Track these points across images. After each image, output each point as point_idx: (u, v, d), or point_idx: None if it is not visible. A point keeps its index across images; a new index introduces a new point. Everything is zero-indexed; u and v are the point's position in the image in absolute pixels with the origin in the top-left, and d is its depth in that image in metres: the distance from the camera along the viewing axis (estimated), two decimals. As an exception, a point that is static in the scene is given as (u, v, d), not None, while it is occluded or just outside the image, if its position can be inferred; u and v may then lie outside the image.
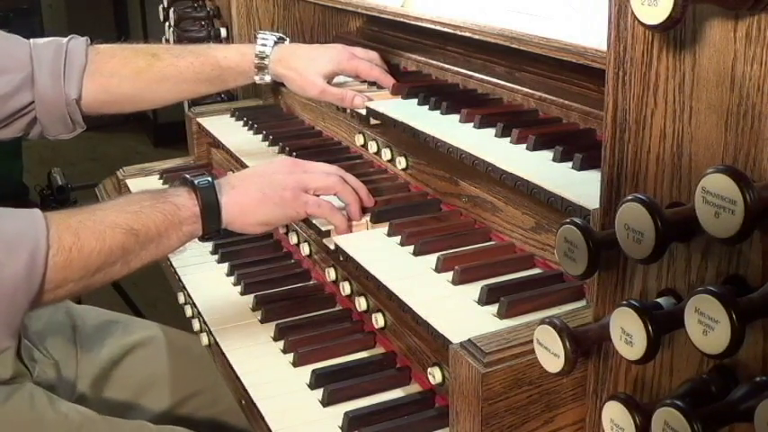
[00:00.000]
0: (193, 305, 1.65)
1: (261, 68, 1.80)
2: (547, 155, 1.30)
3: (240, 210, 1.38)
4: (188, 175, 1.38)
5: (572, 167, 1.24)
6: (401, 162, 1.63)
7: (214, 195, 1.35)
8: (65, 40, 1.72)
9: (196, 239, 1.39)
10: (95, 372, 1.73)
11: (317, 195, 1.46)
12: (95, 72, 1.73)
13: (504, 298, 1.17)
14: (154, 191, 1.39)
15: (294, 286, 1.65)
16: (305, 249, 1.66)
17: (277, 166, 1.46)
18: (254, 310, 1.58)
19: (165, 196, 1.34)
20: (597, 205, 0.94)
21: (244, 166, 1.90)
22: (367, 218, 1.51)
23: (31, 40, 1.70)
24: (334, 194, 1.48)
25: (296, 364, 1.39)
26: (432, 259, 1.32)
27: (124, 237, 1.25)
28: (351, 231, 1.47)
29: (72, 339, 1.73)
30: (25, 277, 1.16)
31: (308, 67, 1.78)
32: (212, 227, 1.36)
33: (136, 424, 1.59)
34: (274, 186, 1.41)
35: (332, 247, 1.44)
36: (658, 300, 0.84)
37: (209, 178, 1.37)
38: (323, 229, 1.46)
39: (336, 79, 1.84)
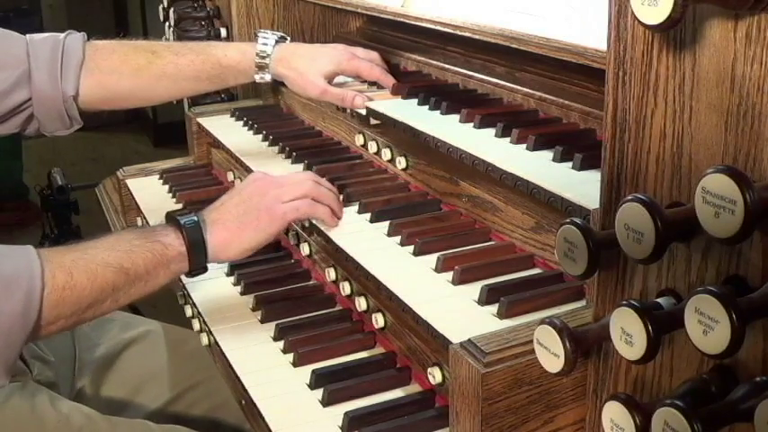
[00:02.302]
0: (193, 305, 1.65)
1: (261, 67, 1.79)
2: (547, 155, 1.30)
3: (223, 244, 1.41)
4: (175, 216, 1.41)
5: (572, 167, 1.24)
6: (401, 162, 1.63)
7: (200, 233, 1.39)
8: (62, 35, 1.72)
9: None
10: (93, 369, 1.73)
11: None
12: (94, 68, 1.72)
13: (504, 298, 1.17)
14: (142, 229, 1.44)
15: (294, 286, 1.65)
16: (305, 249, 1.66)
17: (251, 190, 1.47)
18: (254, 310, 1.58)
19: (153, 235, 1.37)
20: (597, 205, 0.94)
21: (244, 166, 1.90)
22: (366, 216, 1.51)
23: (28, 35, 1.69)
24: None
25: (296, 364, 1.39)
26: (432, 259, 1.32)
27: (115, 275, 1.29)
28: (337, 223, 1.49)
29: (70, 337, 1.73)
30: (21, 315, 1.19)
31: (309, 68, 1.78)
32: (198, 263, 1.40)
33: (137, 423, 1.59)
34: (250, 212, 1.44)
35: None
36: (658, 300, 0.84)
37: (195, 218, 1.40)
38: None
39: (337, 79, 1.84)
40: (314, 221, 1.49)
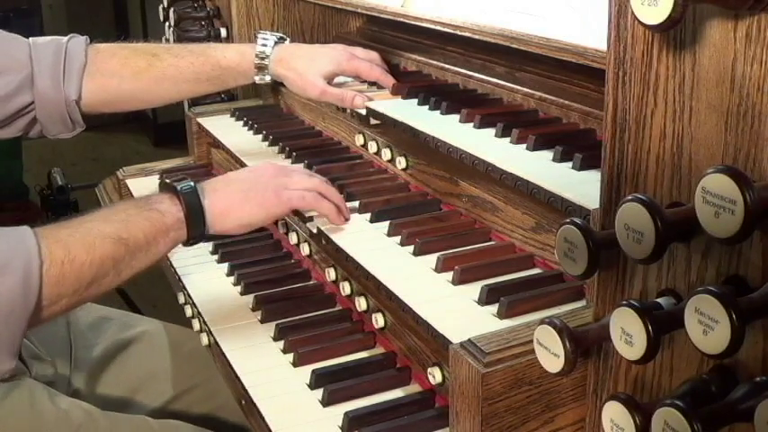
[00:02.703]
0: (193, 305, 1.65)
1: (261, 68, 1.80)
2: (547, 155, 1.30)
3: (222, 211, 1.39)
4: (169, 180, 1.39)
5: (572, 167, 1.24)
6: (401, 162, 1.63)
7: (197, 199, 1.36)
8: (64, 39, 1.72)
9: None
10: (90, 369, 1.73)
11: None
12: (95, 72, 1.73)
13: (504, 298, 1.17)
14: (137, 198, 1.40)
15: (294, 286, 1.65)
16: (305, 249, 1.66)
17: (262, 170, 1.48)
18: (254, 310, 1.58)
19: (149, 204, 1.35)
20: (597, 205, 0.94)
21: (243, 165, 1.90)
22: (366, 216, 1.51)
23: (31, 39, 1.70)
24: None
25: (296, 364, 1.39)
26: (432, 259, 1.33)
27: (114, 246, 1.26)
28: (342, 222, 1.48)
29: (67, 336, 1.73)
30: (21, 294, 1.16)
31: (309, 68, 1.78)
32: (197, 230, 1.37)
33: (137, 419, 1.60)
34: (257, 188, 1.43)
35: (314, 230, 1.47)
36: (658, 300, 0.84)
37: (192, 183, 1.38)
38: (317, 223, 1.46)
39: (337, 79, 1.84)
40: (321, 225, 1.48)
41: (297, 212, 1.62)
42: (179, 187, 1.36)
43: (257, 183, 1.44)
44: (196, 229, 1.36)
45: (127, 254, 1.28)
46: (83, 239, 1.24)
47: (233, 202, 1.40)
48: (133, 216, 1.31)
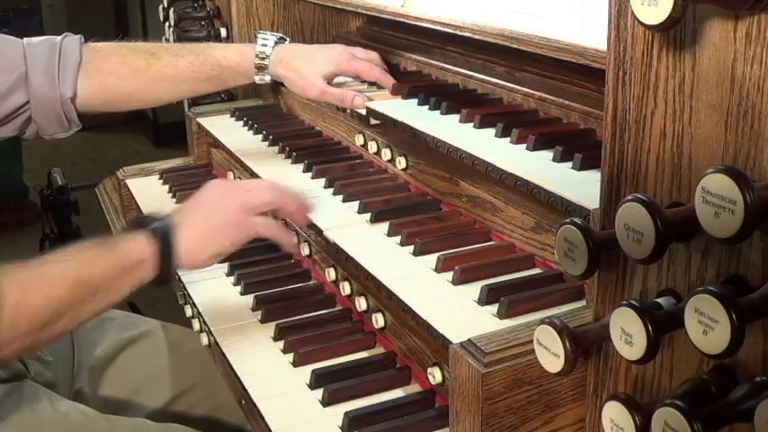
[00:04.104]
0: (193, 305, 1.65)
1: (261, 68, 1.79)
2: (547, 155, 1.30)
3: (190, 248, 1.35)
4: (139, 219, 1.38)
5: (572, 167, 1.24)
6: (401, 162, 1.63)
7: (168, 239, 1.32)
8: (59, 38, 1.71)
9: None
10: (92, 368, 1.73)
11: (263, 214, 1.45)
12: (93, 71, 1.72)
13: (504, 298, 1.17)
14: (102, 239, 1.35)
15: (294, 286, 1.65)
16: (305, 249, 1.66)
17: (216, 193, 1.42)
18: (254, 310, 1.58)
19: (113, 244, 1.31)
20: (597, 205, 0.94)
21: (244, 165, 1.90)
22: (366, 216, 1.52)
23: (25, 39, 1.69)
24: (279, 208, 1.47)
25: (296, 364, 1.39)
26: (432, 259, 1.32)
27: (73, 289, 1.23)
28: (297, 251, 1.52)
29: (68, 337, 1.73)
30: None
31: (309, 68, 1.78)
32: (167, 270, 1.33)
33: (135, 422, 1.59)
34: (220, 215, 1.38)
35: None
36: (658, 300, 0.84)
37: (162, 222, 1.34)
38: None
39: (336, 79, 1.84)
40: (321, 226, 1.49)
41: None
42: (151, 226, 1.33)
43: (219, 210, 1.39)
44: (167, 268, 1.33)
45: (87, 296, 1.25)
46: (40, 282, 1.21)
47: (199, 236, 1.36)
48: (96, 258, 1.28)
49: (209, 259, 1.39)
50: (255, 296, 1.60)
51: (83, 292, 1.24)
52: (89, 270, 1.25)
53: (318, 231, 1.50)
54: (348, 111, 1.77)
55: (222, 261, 1.76)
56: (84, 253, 1.28)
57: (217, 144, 2.15)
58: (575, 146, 1.27)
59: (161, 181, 2.21)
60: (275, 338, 1.48)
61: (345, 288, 1.50)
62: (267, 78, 1.81)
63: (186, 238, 1.34)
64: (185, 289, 1.70)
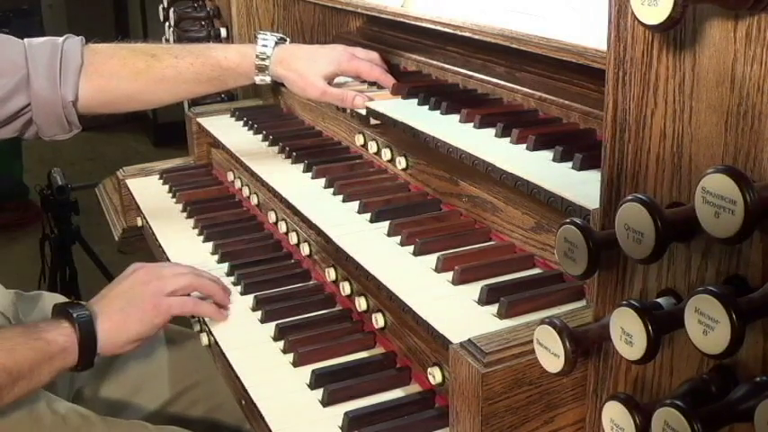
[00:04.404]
0: (193, 305, 1.65)
1: (261, 69, 1.79)
2: (547, 155, 1.30)
3: (109, 335, 1.42)
4: (64, 307, 1.42)
5: (572, 167, 1.24)
6: (401, 162, 1.63)
7: (92, 327, 1.40)
8: (60, 40, 1.70)
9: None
10: (92, 370, 1.73)
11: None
12: (93, 73, 1.71)
13: (504, 298, 1.17)
14: (26, 326, 1.42)
15: (294, 286, 1.65)
16: (305, 249, 1.66)
17: (132, 280, 1.49)
18: (254, 310, 1.58)
19: (37, 332, 1.37)
20: (597, 205, 0.94)
21: (243, 166, 1.90)
22: (366, 216, 1.52)
23: (26, 40, 1.68)
24: (194, 291, 1.52)
25: (296, 364, 1.39)
26: (432, 259, 1.33)
27: None
28: (225, 316, 1.53)
29: None
30: None
31: (309, 69, 1.78)
32: (89, 358, 1.40)
33: (135, 424, 1.59)
34: (134, 302, 1.45)
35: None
36: (658, 300, 0.84)
37: (86, 311, 1.41)
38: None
39: (337, 79, 1.84)
40: (321, 226, 1.48)
41: (296, 212, 1.62)
42: (75, 315, 1.39)
43: (133, 296, 1.46)
44: (89, 357, 1.40)
45: (9, 382, 1.31)
46: None
47: (116, 323, 1.43)
48: (19, 345, 1.33)
49: (126, 345, 1.46)
50: (255, 296, 1.60)
51: (6, 380, 1.31)
52: (15, 357, 1.32)
53: (318, 231, 1.50)
54: (348, 111, 1.77)
55: (222, 261, 1.77)
56: (9, 341, 1.34)
57: (217, 144, 2.15)
58: (575, 146, 1.27)
59: (161, 181, 2.21)
60: (275, 338, 1.48)
61: (345, 288, 1.50)
62: (267, 79, 1.81)
63: (105, 326, 1.42)
64: (185, 289, 1.70)
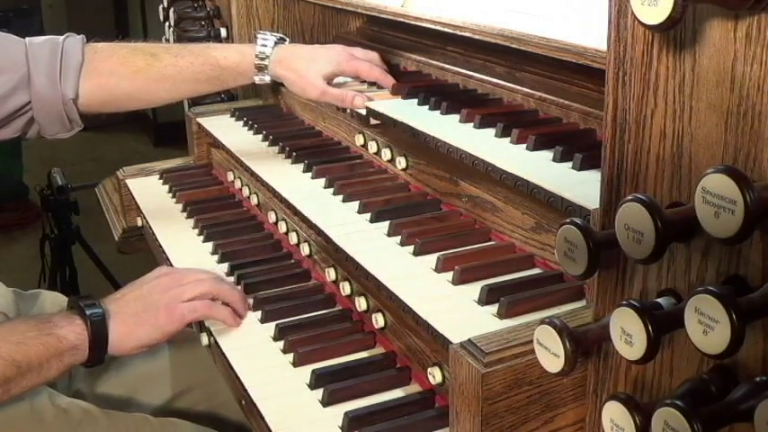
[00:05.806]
0: (193, 305, 1.65)
1: (261, 69, 1.79)
2: (547, 155, 1.30)
3: (121, 336, 1.42)
4: (78, 302, 1.42)
5: (572, 167, 1.24)
6: (401, 162, 1.63)
7: (104, 326, 1.40)
8: (61, 38, 1.71)
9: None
10: (91, 370, 1.73)
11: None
12: (93, 71, 1.72)
13: (504, 298, 1.17)
14: (38, 319, 1.42)
15: (294, 286, 1.65)
16: (305, 249, 1.66)
17: (152, 285, 1.48)
18: (254, 310, 1.58)
19: (49, 327, 1.37)
20: (597, 205, 0.94)
21: (243, 166, 1.90)
22: (366, 216, 1.51)
23: (27, 39, 1.69)
24: (214, 298, 1.51)
25: (296, 364, 1.39)
26: (432, 259, 1.33)
27: (5, 368, 1.30)
28: (239, 323, 1.51)
29: None
30: None
31: (309, 69, 1.78)
32: (99, 356, 1.40)
33: (137, 417, 1.60)
34: (149, 308, 1.44)
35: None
36: (658, 300, 0.84)
37: (100, 309, 1.41)
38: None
39: (336, 79, 1.84)
40: (321, 226, 1.48)
41: (296, 212, 1.62)
42: (88, 313, 1.39)
43: (150, 301, 1.45)
44: (99, 354, 1.40)
45: (18, 375, 1.32)
46: None
47: (129, 327, 1.43)
48: (30, 339, 1.34)
49: (135, 349, 1.46)
50: (255, 296, 1.60)
51: (16, 372, 1.31)
52: (25, 351, 1.32)
53: (318, 231, 1.50)
54: (348, 111, 1.77)
55: (222, 261, 1.77)
56: (21, 334, 1.35)
57: (217, 144, 2.15)
58: (575, 146, 1.27)
59: (161, 181, 2.21)
60: (275, 338, 1.48)
61: (345, 288, 1.50)
62: (267, 79, 1.81)
63: (118, 329, 1.41)
64: (185, 289, 1.70)
